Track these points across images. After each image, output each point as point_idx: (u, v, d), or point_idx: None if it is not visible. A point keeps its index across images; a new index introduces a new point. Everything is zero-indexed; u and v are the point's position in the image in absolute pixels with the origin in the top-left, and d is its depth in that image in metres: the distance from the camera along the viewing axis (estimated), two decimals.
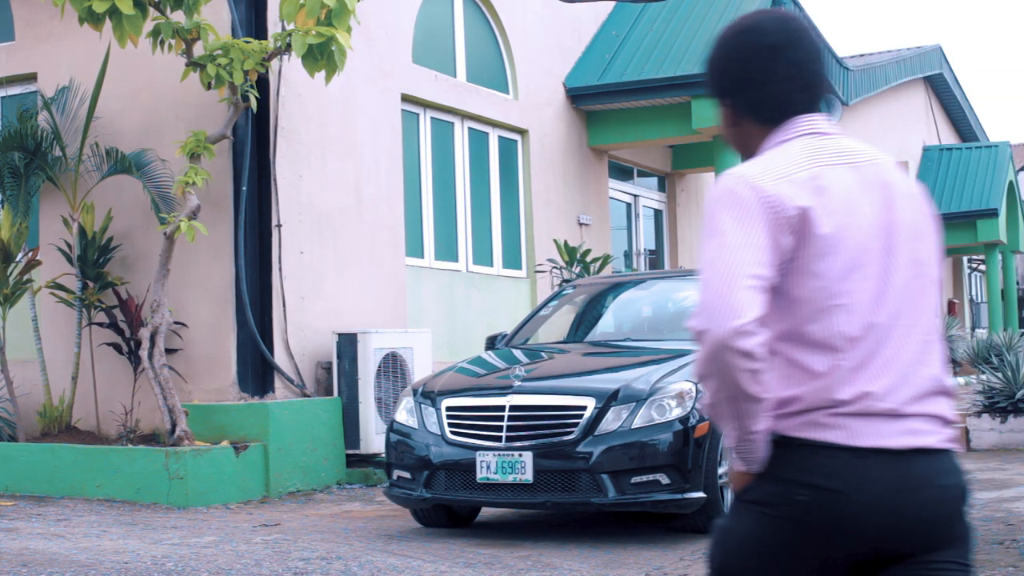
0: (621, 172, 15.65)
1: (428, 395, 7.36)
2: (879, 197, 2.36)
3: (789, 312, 2.30)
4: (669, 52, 14.21)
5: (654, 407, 6.88)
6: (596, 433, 6.81)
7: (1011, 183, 26.58)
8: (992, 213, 25.13)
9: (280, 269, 9.79)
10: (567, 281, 11.13)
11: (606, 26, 15.04)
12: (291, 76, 9.89)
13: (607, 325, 9.03)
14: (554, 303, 9.19)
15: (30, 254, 9.72)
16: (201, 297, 9.65)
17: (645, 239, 16.22)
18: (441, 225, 12.18)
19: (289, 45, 8.82)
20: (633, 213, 15.93)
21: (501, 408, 7.02)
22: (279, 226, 9.80)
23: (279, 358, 9.73)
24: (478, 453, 6.94)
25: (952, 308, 28.68)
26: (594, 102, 14.23)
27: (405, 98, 11.59)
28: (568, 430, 6.85)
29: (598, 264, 12.73)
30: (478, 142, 12.84)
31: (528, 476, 6.81)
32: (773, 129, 2.45)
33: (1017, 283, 32.23)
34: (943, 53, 27.13)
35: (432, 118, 12.14)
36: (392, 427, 7.47)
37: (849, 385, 2.27)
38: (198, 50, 9.11)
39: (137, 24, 8.48)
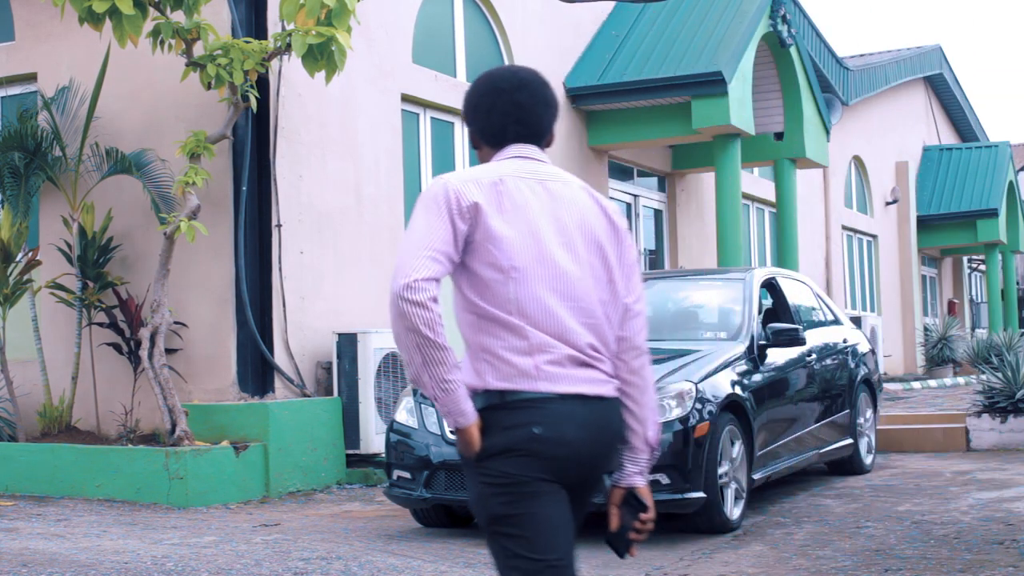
0: (621, 172, 15.65)
1: None
2: (558, 206, 3.03)
3: (481, 287, 2.93)
4: (669, 52, 14.21)
5: None
6: None
7: (1011, 183, 26.58)
8: (992, 213, 25.13)
9: (280, 269, 9.79)
10: None
11: (606, 26, 15.04)
12: (291, 76, 9.90)
13: None
14: None
15: (30, 254, 9.72)
16: (201, 297, 9.65)
17: (645, 239, 16.22)
18: None
19: (289, 45, 8.82)
20: (633, 213, 15.93)
21: None
22: (279, 226, 9.80)
23: (279, 358, 9.73)
24: None
25: (952, 308, 28.68)
26: (594, 102, 14.23)
27: (405, 98, 11.59)
28: None
29: None
30: None
31: None
32: (496, 151, 3.15)
33: (1017, 283, 32.22)
34: (943, 53, 27.13)
35: (432, 118, 12.14)
36: (392, 427, 7.47)
37: (535, 343, 2.89)
38: (198, 50, 9.11)
39: (137, 24, 8.48)
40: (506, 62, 13.25)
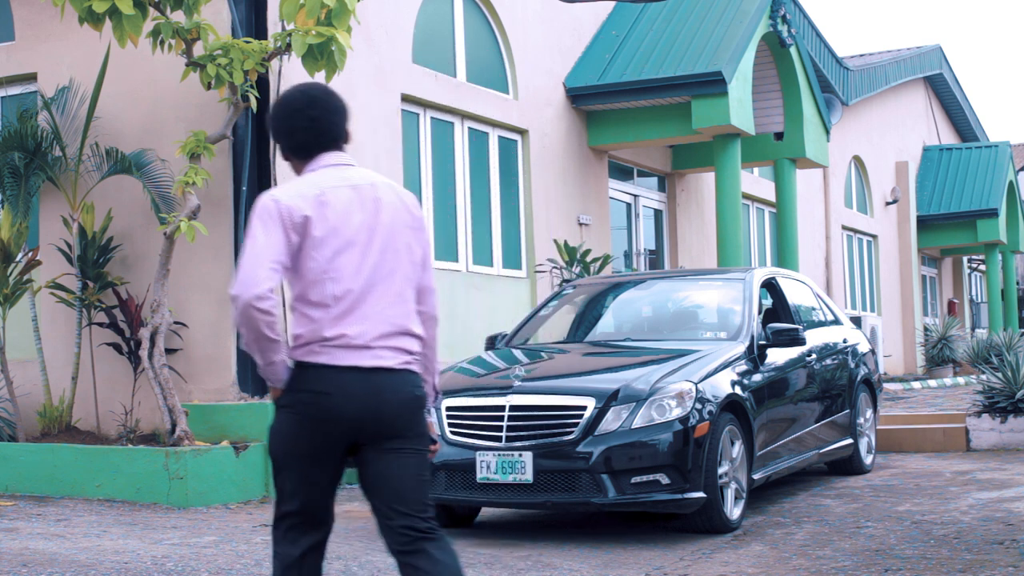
0: (621, 172, 15.65)
1: None
2: (370, 208, 3.68)
3: (299, 282, 3.68)
4: (669, 52, 14.21)
5: (654, 407, 6.88)
6: (596, 433, 6.81)
7: (1011, 183, 26.58)
8: (992, 213, 25.13)
9: None
10: (567, 281, 11.14)
11: (606, 26, 15.04)
12: (291, 76, 9.89)
13: (607, 325, 9.03)
14: (554, 303, 9.19)
15: (30, 254, 9.72)
16: (201, 297, 9.65)
17: (645, 239, 16.22)
18: (441, 225, 12.17)
19: (289, 45, 8.82)
20: (633, 213, 15.93)
21: (501, 408, 7.02)
22: None
23: None
24: (478, 453, 6.94)
25: (952, 308, 28.68)
26: (594, 102, 14.23)
27: (405, 98, 11.59)
28: (568, 430, 6.85)
29: (598, 264, 12.73)
30: (478, 142, 12.84)
31: (528, 476, 6.81)
32: (307, 163, 3.76)
33: (1017, 283, 32.23)
34: (943, 53, 27.13)
35: (432, 118, 12.14)
36: None
37: (333, 328, 3.61)
38: (198, 50, 9.11)
39: (137, 24, 8.48)
40: (506, 62, 13.26)
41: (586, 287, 9.70)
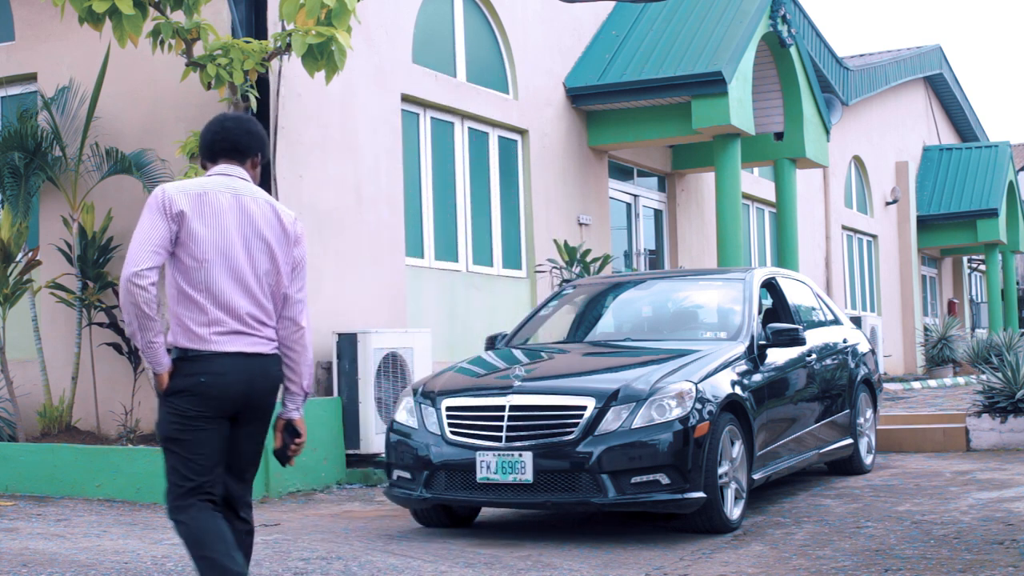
0: (621, 172, 15.65)
1: (428, 395, 7.36)
2: (242, 214, 4.23)
3: (182, 272, 4.14)
4: (669, 52, 14.21)
5: (654, 407, 6.87)
6: (596, 433, 6.80)
7: (1011, 183, 26.58)
8: (992, 213, 25.13)
9: None
10: (567, 281, 11.13)
11: (606, 26, 15.04)
12: (291, 76, 9.89)
13: (607, 325, 9.03)
14: (554, 303, 9.18)
15: (30, 254, 9.73)
16: None
17: (645, 239, 16.22)
18: (441, 225, 12.18)
19: (289, 45, 8.82)
20: (633, 213, 15.94)
21: (501, 408, 7.02)
22: None
23: None
24: (478, 453, 6.94)
25: (952, 308, 28.68)
26: (594, 102, 14.24)
27: (405, 98, 11.59)
28: (568, 430, 6.84)
29: (598, 264, 12.73)
30: (478, 142, 12.85)
31: (528, 476, 6.81)
32: (208, 167, 4.36)
33: (1017, 283, 32.23)
34: (943, 53, 27.14)
35: (432, 118, 12.14)
36: (392, 427, 7.47)
37: (212, 316, 4.12)
38: (198, 50, 9.11)
39: (137, 24, 8.48)
40: (506, 62, 13.26)
41: (586, 287, 9.70)
